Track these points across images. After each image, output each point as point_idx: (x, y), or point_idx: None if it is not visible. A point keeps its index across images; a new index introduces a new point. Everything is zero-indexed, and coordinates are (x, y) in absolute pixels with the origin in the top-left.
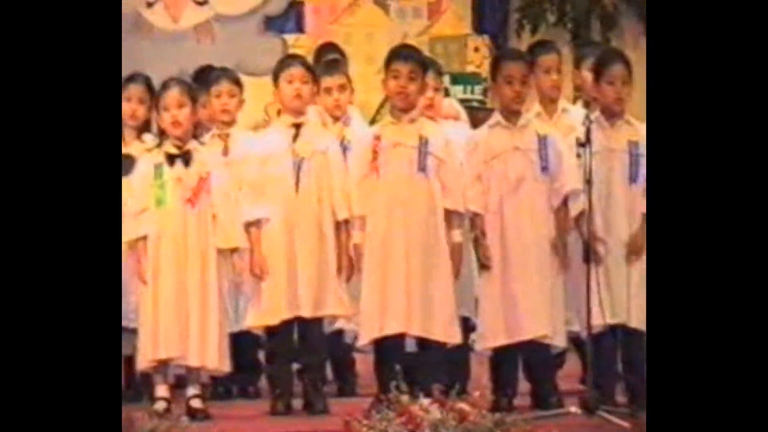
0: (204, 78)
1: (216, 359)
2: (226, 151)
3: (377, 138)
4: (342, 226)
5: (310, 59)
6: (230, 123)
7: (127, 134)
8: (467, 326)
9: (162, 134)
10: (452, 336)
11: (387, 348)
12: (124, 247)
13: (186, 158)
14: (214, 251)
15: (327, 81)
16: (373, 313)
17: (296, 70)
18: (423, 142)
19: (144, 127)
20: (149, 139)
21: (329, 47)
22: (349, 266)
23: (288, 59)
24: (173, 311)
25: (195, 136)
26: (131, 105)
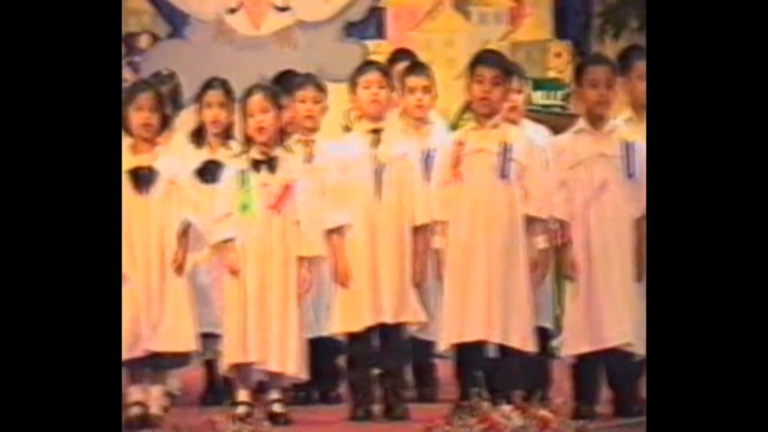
0: (285, 84)
1: (295, 365)
2: (309, 158)
3: (460, 144)
4: (420, 232)
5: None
6: (314, 129)
7: (212, 140)
8: (546, 335)
9: (248, 141)
10: (529, 344)
11: (468, 354)
12: (210, 250)
13: (271, 164)
14: (296, 258)
15: (412, 81)
16: (454, 318)
17: (373, 76)
18: (505, 148)
19: (226, 133)
20: (234, 145)
21: (404, 53)
22: (422, 272)
23: (365, 65)
24: (255, 316)
25: (279, 142)
26: (212, 110)
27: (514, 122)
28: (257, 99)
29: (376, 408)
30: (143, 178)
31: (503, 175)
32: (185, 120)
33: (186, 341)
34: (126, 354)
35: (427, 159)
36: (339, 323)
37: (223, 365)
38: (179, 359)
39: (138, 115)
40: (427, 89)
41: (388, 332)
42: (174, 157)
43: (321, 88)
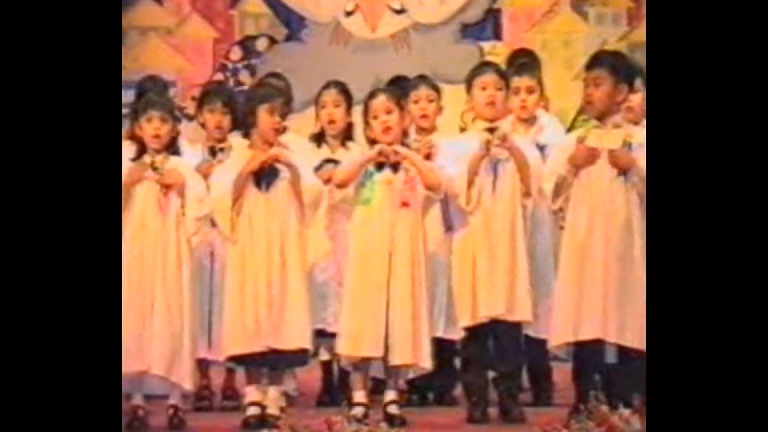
0: (400, 86)
1: (421, 357)
2: (428, 157)
3: (580, 141)
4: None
5: (504, 66)
6: (430, 129)
7: (331, 141)
8: None
9: (371, 142)
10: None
11: (586, 357)
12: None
13: (395, 164)
14: (422, 255)
15: (515, 81)
16: (568, 316)
17: (490, 77)
18: (627, 147)
19: (345, 134)
20: (353, 146)
21: (523, 53)
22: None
23: (482, 66)
24: (375, 311)
25: (402, 142)
26: (327, 111)
27: (635, 122)
28: (381, 100)
29: (492, 410)
30: (265, 176)
31: (622, 173)
32: (302, 121)
33: (303, 339)
34: (246, 350)
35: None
36: (455, 320)
37: (342, 360)
38: (297, 359)
39: (267, 118)
40: (530, 89)
41: (503, 333)
42: (294, 156)
43: (434, 88)
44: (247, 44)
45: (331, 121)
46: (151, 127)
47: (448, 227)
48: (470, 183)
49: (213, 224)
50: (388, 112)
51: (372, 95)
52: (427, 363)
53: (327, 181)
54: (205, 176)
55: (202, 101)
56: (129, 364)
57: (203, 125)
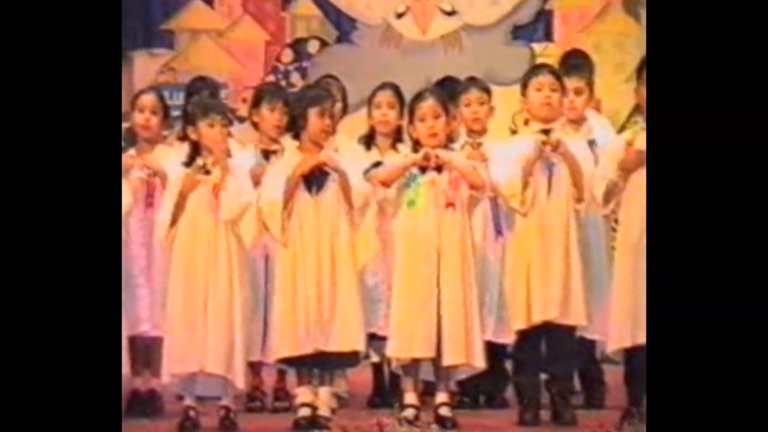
0: (450, 88)
1: (474, 357)
2: (482, 159)
3: (629, 144)
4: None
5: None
6: (481, 132)
7: (381, 142)
8: None
9: (415, 143)
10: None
11: (640, 360)
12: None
13: (439, 166)
14: (471, 255)
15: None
16: (625, 321)
17: (545, 78)
18: None
19: (396, 135)
20: (402, 148)
21: (575, 54)
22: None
23: (537, 67)
24: (426, 311)
25: (447, 146)
26: (381, 112)
27: None
28: (429, 104)
29: (544, 413)
30: (315, 179)
31: None
32: (351, 123)
33: (355, 341)
34: (296, 352)
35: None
36: (506, 322)
37: (393, 363)
38: (348, 360)
39: (317, 120)
40: (578, 90)
41: (555, 336)
42: (343, 159)
43: (485, 90)
44: (298, 46)
45: (385, 122)
46: (207, 129)
47: (498, 230)
48: (525, 185)
49: (266, 227)
50: (436, 117)
51: (419, 97)
52: (480, 362)
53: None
54: (258, 179)
55: (257, 102)
56: (180, 365)
57: (256, 126)
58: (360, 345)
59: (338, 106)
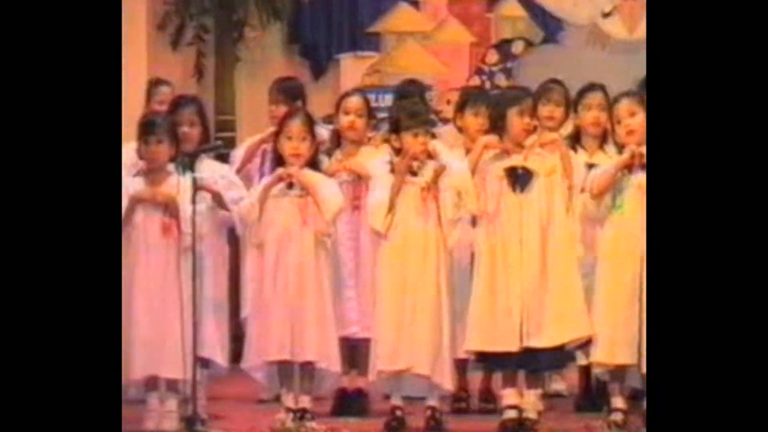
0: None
1: None
2: None
3: None
4: None
5: None
6: None
7: (589, 143)
8: None
9: (617, 145)
10: None
11: None
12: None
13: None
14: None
15: None
16: None
17: None
18: None
19: (602, 138)
20: (610, 149)
21: None
22: None
23: None
24: (629, 317)
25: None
26: (593, 114)
27: None
28: (625, 104)
29: None
30: (519, 177)
31: None
32: None
33: (563, 336)
34: (496, 348)
35: None
36: None
37: (597, 368)
38: (554, 362)
39: (518, 120)
40: None
41: None
42: (547, 159)
43: None
44: (503, 47)
45: (595, 124)
46: (412, 134)
47: None
48: None
49: (473, 224)
50: (632, 116)
51: (617, 99)
52: None
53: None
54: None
55: (461, 107)
56: (387, 363)
57: (460, 130)
58: (566, 338)
59: (560, 110)
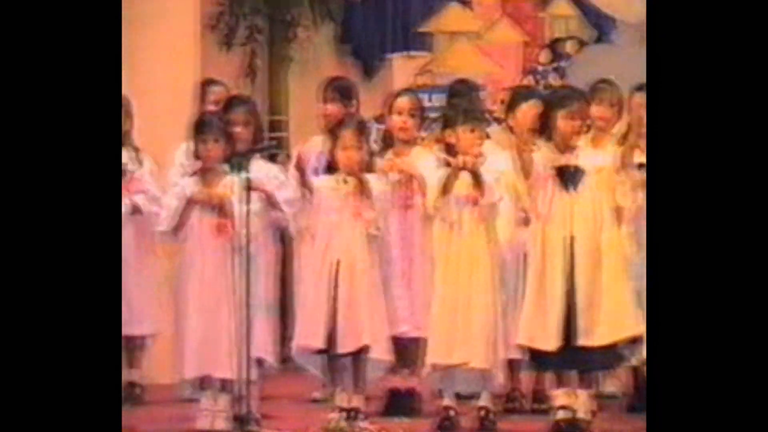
0: None
1: None
2: None
3: None
4: None
5: None
6: None
7: (641, 143)
8: None
9: None
10: None
11: None
12: None
13: None
14: None
15: None
16: None
17: None
18: None
19: None
20: None
21: None
22: None
23: None
24: None
25: None
26: (641, 115)
27: None
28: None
29: None
30: (570, 176)
31: None
32: None
33: (615, 334)
34: (545, 347)
35: None
36: None
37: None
38: (606, 363)
39: (567, 122)
40: None
41: None
42: (598, 156)
43: None
44: (555, 47)
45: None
46: (466, 134)
47: None
48: None
49: (526, 224)
50: None
51: None
52: None
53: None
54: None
55: (511, 107)
56: (441, 357)
57: (511, 130)
58: (617, 337)
59: (612, 110)
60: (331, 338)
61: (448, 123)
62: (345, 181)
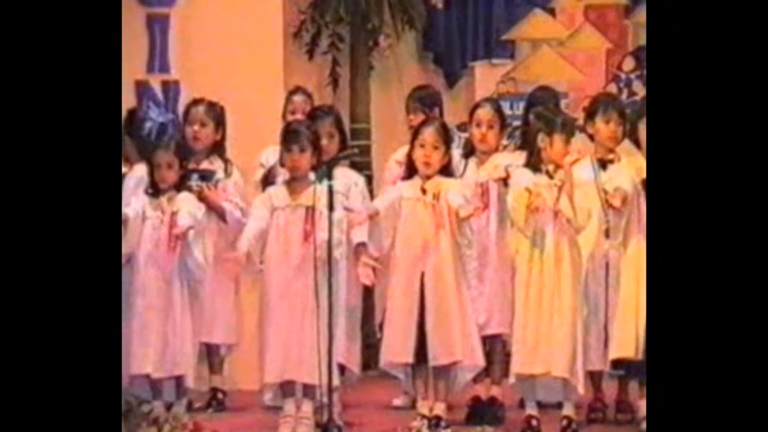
0: None
1: None
2: None
3: None
4: None
5: None
6: None
7: None
8: None
9: None
10: None
11: None
12: None
13: None
14: None
15: None
16: None
17: None
18: None
19: None
20: None
21: None
22: None
23: None
24: None
25: None
26: None
27: None
28: None
29: None
30: None
31: None
32: None
33: None
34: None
35: None
36: None
37: None
38: None
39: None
40: None
41: None
42: None
43: None
44: (640, 54)
45: None
46: (549, 142)
47: None
48: None
49: (607, 236)
50: None
51: None
52: None
53: None
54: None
55: (591, 114)
56: (524, 367)
57: (591, 138)
58: None
59: None
60: (420, 351)
61: (530, 131)
62: (423, 190)
